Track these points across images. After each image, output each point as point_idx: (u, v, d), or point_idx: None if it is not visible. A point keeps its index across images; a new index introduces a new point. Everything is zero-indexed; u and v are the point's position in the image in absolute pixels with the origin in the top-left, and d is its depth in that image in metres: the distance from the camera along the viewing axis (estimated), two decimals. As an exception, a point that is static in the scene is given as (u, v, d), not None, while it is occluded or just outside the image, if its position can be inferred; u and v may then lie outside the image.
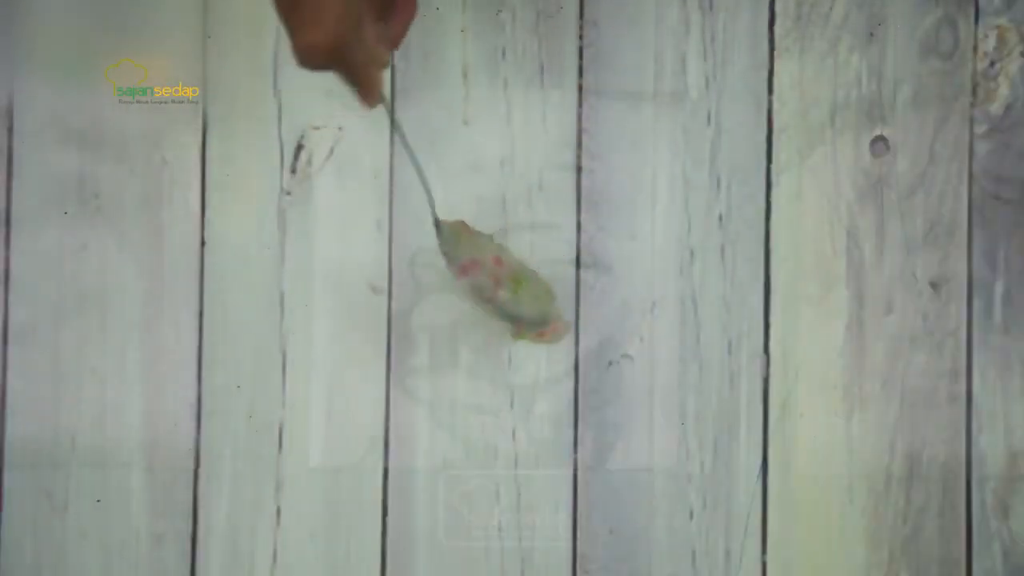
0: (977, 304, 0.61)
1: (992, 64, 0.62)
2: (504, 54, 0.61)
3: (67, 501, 0.60)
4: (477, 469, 0.60)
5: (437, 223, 0.55)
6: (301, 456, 0.60)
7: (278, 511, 0.60)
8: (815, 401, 0.61)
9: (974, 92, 0.62)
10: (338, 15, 0.43)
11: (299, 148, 0.61)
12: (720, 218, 0.61)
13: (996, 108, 0.62)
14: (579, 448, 0.60)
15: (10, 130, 0.60)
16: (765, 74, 0.61)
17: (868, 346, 0.61)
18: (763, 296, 0.61)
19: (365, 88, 0.47)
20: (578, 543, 0.60)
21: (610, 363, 0.61)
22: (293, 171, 0.61)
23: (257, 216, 0.61)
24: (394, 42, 0.49)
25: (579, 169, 0.61)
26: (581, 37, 0.61)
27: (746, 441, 0.61)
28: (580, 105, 0.61)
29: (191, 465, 0.60)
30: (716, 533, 0.60)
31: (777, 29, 0.61)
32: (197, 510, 0.60)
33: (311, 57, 0.44)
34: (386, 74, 0.61)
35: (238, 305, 0.60)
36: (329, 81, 0.61)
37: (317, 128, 0.61)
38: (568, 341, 0.60)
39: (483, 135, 0.61)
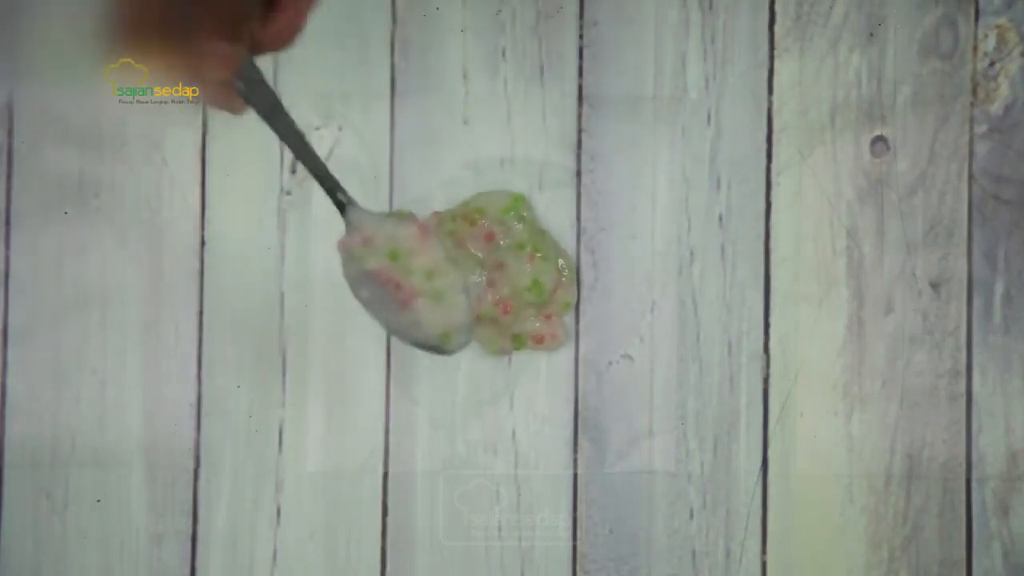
0: (977, 304, 0.61)
1: (992, 64, 0.62)
2: (504, 54, 0.61)
3: (67, 501, 0.60)
4: (477, 469, 0.60)
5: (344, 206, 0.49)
6: (301, 456, 0.60)
7: (278, 511, 0.60)
8: (815, 401, 0.61)
9: (974, 92, 0.62)
10: None
11: (299, 148, 0.61)
12: (720, 218, 0.61)
13: (996, 108, 0.62)
14: (579, 448, 0.60)
15: (10, 130, 0.60)
16: (765, 74, 0.61)
17: (868, 346, 0.61)
18: (763, 296, 0.61)
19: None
20: (578, 543, 0.60)
21: (610, 363, 0.61)
22: (293, 171, 0.61)
23: (257, 216, 0.61)
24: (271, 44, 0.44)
25: (579, 169, 0.61)
26: (581, 37, 0.61)
27: (746, 441, 0.61)
28: (580, 105, 0.61)
29: (191, 465, 0.60)
30: (716, 533, 0.60)
31: (777, 29, 0.61)
32: (197, 510, 0.60)
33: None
34: (384, 72, 0.61)
35: (238, 305, 0.60)
36: (329, 81, 0.61)
37: (317, 128, 0.61)
38: (568, 341, 0.60)
39: (483, 135, 0.61)
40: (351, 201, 0.49)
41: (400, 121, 0.61)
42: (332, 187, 0.48)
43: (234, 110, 0.44)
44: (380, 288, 0.49)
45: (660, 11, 0.61)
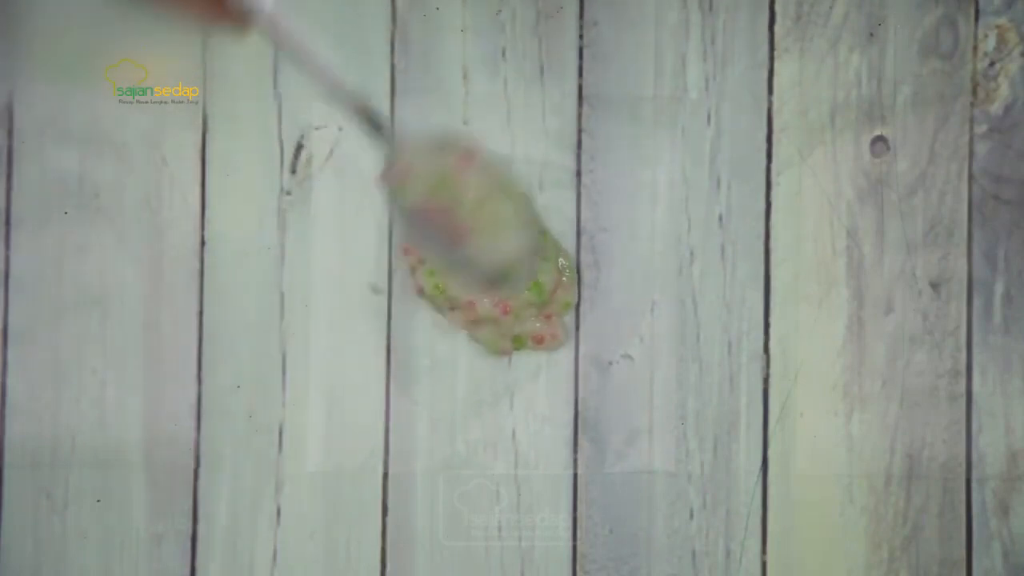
0: (977, 304, 0.61)
1: (992, 64, 0.62)
2: (504, 54, 0.61)
3: (67, 501, 0.60)
4: (477, 469, 0.60)
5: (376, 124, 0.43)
6: (301, 456, 0.60)
7: (278, 511, 0.60)
8: (815, 401, 0.61)
9: (974, 92, 0.62)
10: None
11: (299, 148, 0.61)
12: (720, 218, 0.61)
13: (996, 108, 0.62)
14: (579, 448, 0.60)
15: (10, 130, 0.60)
16: (765, 74, 0.61)
17: (868, 346, 0.61)
18: (763, 296, 0.61)
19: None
20: (578, 543, 0.60)
21: (610, 363, 0.61)
22: (293, 171, 0.61)
23: (257, 216, 0.61)
24: None
25: (579, 169, 0.61)
26: (581, 37, 0.61)
27: (746, 441, 0.61)
28: (580, 105, 0.61)
29: (191, 465, 0.60)
30: (716, 533, 0.60)
31: (777, 29, 0.62)
32: (197, 510, 0.60)
33: None
34: (384, 72, 0.61)
35: (238, 305, 0.60)
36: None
37: (317, 128, 0.61)
38: (568, 341, 0.60)
39: (483, 135, 0.61)
40: (385, 125, 0.43)
41: (400, 121, 0.61)
42: (362, 109, 0.43)
43: (235, 23, 0.39)
44: (428, 224, 0.44)
45: (660, 11, 0.61)
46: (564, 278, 0.60)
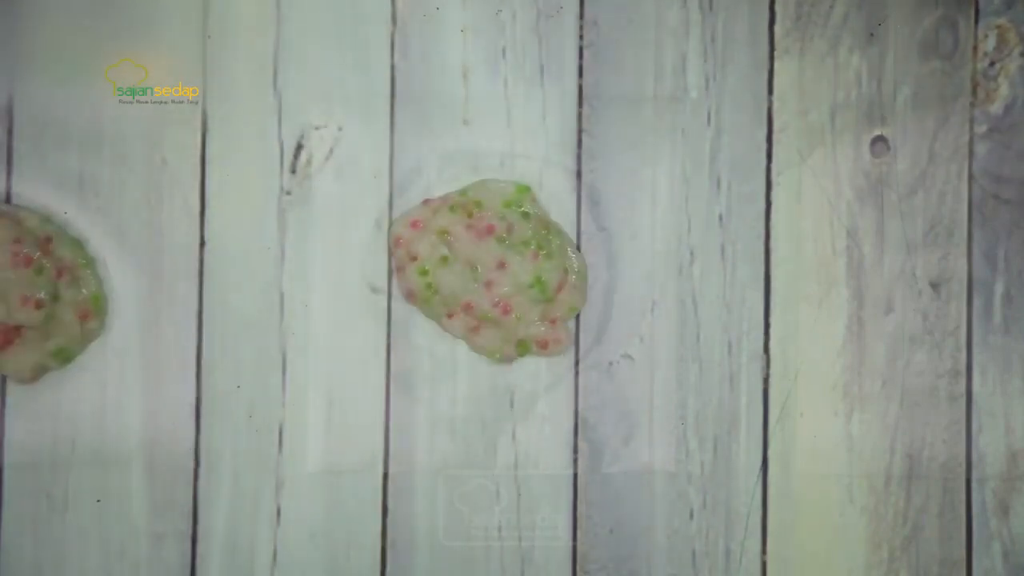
0: (977, 304, 0.61)
1: (992, 64, 0.62)
2: (504, 54, 0.61)
3: (67, 501, 0.60)
4: (477, 469, 0.60)
5: None
6: (301, 456, 0.60)
7: (278, 511, 0.60)
8: (815, 401, 0.61)
9: (974, 92, 0.62)
10: None
11: (299, 148, 0.61)
12: (720, 218, 0.61)
13: (996, 108, 0.62)
14: (579, 448, 0.60)
15: (10, 130, 0.60)
16: (765, 74, 0.61)
17: (868, 346, 0.61)
18: (763, 296, 0.61)
19: None
20: (578, 543, 0.60)
21: (610, 363, 0.61)
22: (293, 171, 0.61)
23: (257, 216, 0.61)
24: None
25: (579, 169, 0.61)
26: (581, 37, 0.61)
27: (746, 441, 0.61)
28: (580, 105, 0.61)
29: (191, 465, 0.60)
30: (716, 533, 0.60)
31: (777, 29, 0.62)
32: (197, 510, 0.60)
33: None
34: (384, 72, 0.61)
35: (238, 305, 0.60)
36: (329, 81, 0.61)
37: (317, 128, 0.61)
38: (571, 344, 0.60)
39: (483, 135, 0.61)
40: None
41: (400, 121, 0.61)
42: None
43: None
44: None
45: (660, 11, 0.61)
46: (572, 278, 0.59)
